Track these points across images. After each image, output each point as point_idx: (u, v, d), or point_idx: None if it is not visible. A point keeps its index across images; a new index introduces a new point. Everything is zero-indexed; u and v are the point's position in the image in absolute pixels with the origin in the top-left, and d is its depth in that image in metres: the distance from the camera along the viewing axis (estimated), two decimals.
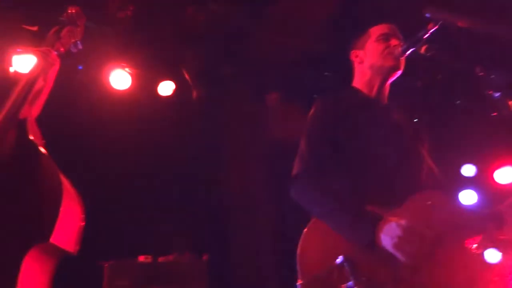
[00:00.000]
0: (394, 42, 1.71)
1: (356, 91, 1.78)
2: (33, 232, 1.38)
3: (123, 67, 3.82)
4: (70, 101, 3.49)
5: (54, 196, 1.42)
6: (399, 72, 1.74)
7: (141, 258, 3.20)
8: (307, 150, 1.62)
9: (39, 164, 1.50)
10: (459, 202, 1.53)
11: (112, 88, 3.84)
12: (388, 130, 1.67)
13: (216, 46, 3.98)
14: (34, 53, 1.82)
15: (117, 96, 3.90)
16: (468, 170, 4.18)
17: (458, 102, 3.99)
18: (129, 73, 3.85)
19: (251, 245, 3.88)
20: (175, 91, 4.03)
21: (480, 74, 1.51)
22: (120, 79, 3.85)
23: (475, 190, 4.03)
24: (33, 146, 1.54)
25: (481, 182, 4.06)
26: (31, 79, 1.70)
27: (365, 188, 1.57)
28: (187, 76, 4.03)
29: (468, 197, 4.05)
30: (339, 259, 1.41)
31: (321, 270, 1.44)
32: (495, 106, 1.49)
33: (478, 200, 4.08)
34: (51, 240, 1.38)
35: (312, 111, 1.72)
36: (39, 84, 1.74)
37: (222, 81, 4.18)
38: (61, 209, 1.41)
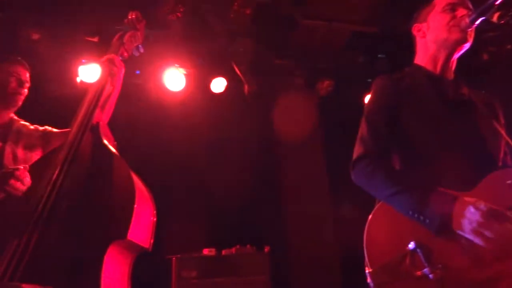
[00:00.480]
0: (461, 12, 1.55)
1: (419, 68, 1.64)
2: (111, 230, 1.46)
3: (176, 68, 3.95)
4: (129, 105, 3.68)
5: (128, 195, 1.50)
6: (466, 45, 1.57)
7: (206, 251, 3.31)
8: (368, 132, 1.52)
9: (113, 165, 1.58)
10: None
11: (168, 90, 3.99)
12: (457, 107, 1.53)
13: (265, 38, 3.97)
14: (101, 61, 1.91)
15: (173, 97, 4.05)
16: None
17: None
18: (183, 73, 3.98)
19: (311, 236, 3.86)
20: (227, 87, 4.10)
21: None
22: (174, 80, 3.99)
23: None
24: (106, 148, 1.64)
25: None
26: (100, 86, 1.80)
27: (434, 169, 1.45)
28: (238, 71, 4.07)
29: None
30: (411, 245, 1.33)
31: (391, 258, 1.35)
32: None
33: None
34: (128, 237, 1.45)
35: (371, 91, 1.62)
36: (108, 90, 1.84)
37: (273, 73, 4.17)
38: (135, 207, 1.48)
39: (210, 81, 4.10)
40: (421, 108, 1.52)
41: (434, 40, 1.61)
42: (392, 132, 1.50)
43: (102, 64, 1.89)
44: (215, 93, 4.13)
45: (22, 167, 1.55)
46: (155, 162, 3.72)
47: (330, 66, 4.05)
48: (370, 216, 1.47)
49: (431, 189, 1.36)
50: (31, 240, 1.39)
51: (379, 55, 4.02)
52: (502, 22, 1.43)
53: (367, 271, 1.40)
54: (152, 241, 1.60)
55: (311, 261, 3.76)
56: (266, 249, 3.35)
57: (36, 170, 1.60)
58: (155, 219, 1.63)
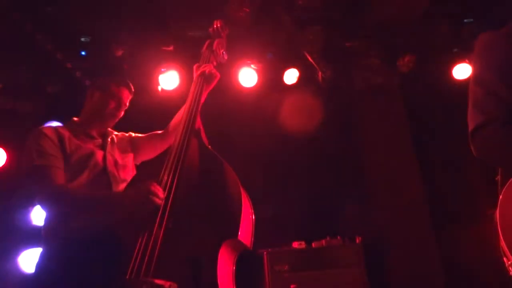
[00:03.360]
0: None
1: None
2: (224, 230, 1.54)
3: (249, 65, 3.97)
4: (209, 105, 3.80)
5: (236, 196, 1.57)
6: None
7: (295, 245, 3.31)
8: (484, 96, 1.33)
9: (220, 168, 1.66)
10: None
11: (242, 87, 4.04)
12: None
13: (335, 22, 3.81)
14: (197, 69, 2.00)
15: (247, 93, 4.09)
16: None
17: None
18: (255, 69, 3.99)
19: (404, 225, 3.65)
20: (300, 77, 4.02)
21: None
22: (247, 76, 4.02)
23: None
24: (212, 152, 1.74)
25: None
26: (199, 92, 1.90)
27: None
28: (310, 60, 3.97)
29: None
30: None
31: None
32: None
33: None
34: (239, 237, 1.53)
35: (476, 48, 1.41)
36: (204, 96, 1.93)
37: (347, 57, 3.99)
38: (243, 208, 1.56)
39: (282, 73, 4.06)
40: None
41: None
42: (511, 92, 1.28)
43: (199, 73, 1.98)
44: (288, 85, 4.09)
45: (154, 183, 1.62)
46: (240, 160, 3.80)
47: (409, 40, 3.75)
48: (500, 196, 1.25)
49: None
50: (157, 241, 1.50)
51: (465, 20, 3.63)
52: None
53: (507, 263, 1.21)
54: (253, 239, 1.66)
55: (405, 252, 3.56)
56: (358, 239, 3.26)
57: (148, 173, 1.72)
58: (254, 217, 1.69)
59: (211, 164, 1.69)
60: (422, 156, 3.77)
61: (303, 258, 3.23)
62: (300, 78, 4.05)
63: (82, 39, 3.65)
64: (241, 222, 1.54)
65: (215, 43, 2.09)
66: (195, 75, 2.00)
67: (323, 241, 3.31)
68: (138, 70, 3.83)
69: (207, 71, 1.96)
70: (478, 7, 3.50)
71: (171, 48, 3.85)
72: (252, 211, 1.69)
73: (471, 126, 1.34)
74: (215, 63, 2.08)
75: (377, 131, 3.91)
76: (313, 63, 3.88)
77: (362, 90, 3.92)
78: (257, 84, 4.04)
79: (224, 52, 2.13)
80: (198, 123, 1.82)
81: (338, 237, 3.30)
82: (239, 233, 1.53)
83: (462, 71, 3.73)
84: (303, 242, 3.30)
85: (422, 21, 3.64)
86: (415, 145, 3.84)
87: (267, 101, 4.08)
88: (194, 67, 2.04)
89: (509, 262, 1.20)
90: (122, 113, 2.14)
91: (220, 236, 1.52)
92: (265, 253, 3.26)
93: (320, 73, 3.90)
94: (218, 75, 2.01)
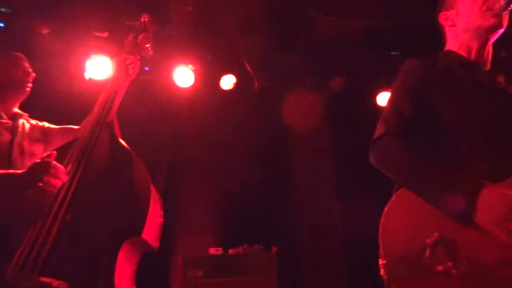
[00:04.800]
0: None
1: (452, 53, 1.53)
2: (128, 227, 1.47)
3: (186, 64, 3.91)
4: (138, 102, 3.66)
5: (144, 193, 1.52)
6: (501, 31, 1.46)
7: (212, 251, 3.27)
8: (392, 112, 1.43)
9: (130, 163, 1.60)
10: None
11: (177, 86, 3.95)
12: (490, 95, 1.43)
13: (276, 34, 3.90)
14: (117, 60, 1.93)
15: (182, 93, 4.01)
16: None
17: None
18: (192, 69, 3.94)
19: (320, 236, 3.79)
20: (237, 84, 4.04)
21: None
22: (183, 76, 3.95)
23: None
24: (123, 146, 1.66)
25: None
26: (117, 84, 1.82)
27: (462, 156, 1.36)
28: (248, 68, 4.01)
29: None
30: (433, 237, 1.22)
31: (409, 249, 1.26)
32: None
33: None
34: (143, 235, 1.46)
35: (400, 71, 1.51)
36: (123, 89, 1.85)
37: (283, 69, 4.10)
38: (150, 205, 1.50)
39: (219, 78, 4.05)
40: (452, 93, 1.42)
41: (465, 29, 1.49)
42: (418, 115, 1.39)
43: (118, 64, 1.92)
44: (224, 90, 4.08)
45: (54, 162, 1.50)
46: (162, 159, 3.70)
47: (342, 63, 3.96)
48: (388, 204, 1.36)
49: (458, 175, 1.27)
50: (50, 234, 1.39)
51: (393, 53, 3.92)
52: None
53: (381, 262, 1.31)
54: (159, 241, 1.61)
55: (319, 263, 3.70)
56: (274, 249, 3.30)
57: None
58: (162, 219, 1.64)
59: (121, 159, 1.63)
60: (342, 176, 3.96)
61: (218, 265, 3.20)
62: (237, 85, 4.06)
63: (2, 10, 3.32)
64: (147, 220, 1.48)
65: (141, 36, 2.03)
66: (115, 65, 1.93)
67: (240, 248, 3.31)
68: (65, 53, 3.58)
69: (128, 63, 1.89)
70: (406, 42, 3.79)
71: (105, 35, 3.66)
72: (162, 212, 1.64)
73: (374, 135, 1.44)
74: (138, 56, 2.01)
75: (305, 144, 4.04)
76: (250, 71, 3.93)
77: (294, 104, 4.04)
78: (193, 85, 3.98)
79: (150, 47, 2.07)
80: (112, 116, 1.74)
81: (256, 245, 3.32)
82: (144, 232, 1.46)
83: (385, 98, 4.02)
84: (220, 249, 3.27)
85: (356, 47, 3.87)
86: (336, 168, 4.04)
87: (200, 104, 4.03)
88: (116, 57, 1.97)
89: (382, 263, 1.29)
90: (31, 84, 2.01)
91: (122, 234, 1.45)
92: (179, 258, 3.17)
93: (256, 82, 3.95)
94: (138, 69, 1.95)
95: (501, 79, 1.49)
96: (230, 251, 3.29)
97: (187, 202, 3.78)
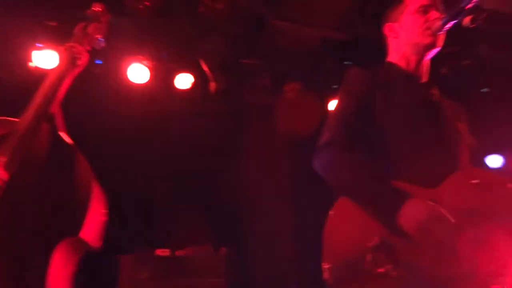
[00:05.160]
0: (433, 15, 1.55)
1: (393, 65, 1.64)
2: (65, 226, 1.39)
3: (141, 60, 3.81)
4: (88, 96, 3.52)
5: (85, 190, 1.44)
6: (436, 49, 1.59)
7: (159, 252, 3.20)
8: (336, 120, 1.50)
9: (71, 159, 1.51)
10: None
11: (130, 82, 3.84)
12: (426, 107, 1.54)
13: (235, 37, 3.91)
14: (64, 49, 1.82)
15: (135, 90, 3.90)
16: (494, 160, 3.98)
17: (485, 90, 3.81)
18: (147, 66, 3.85)
19: (271, 238, 3.83)
20: (194, 84, 4.00)
21: None
22: (138, 72, 3.85)
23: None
24: (64, 140, 1.56)
25: (508, 174, 3.87)
26: (61, 74, 1.71)
27: (401, 164, 1.45)
28: (205, 68, 3.98)
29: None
30: (373, 241, 1.29)
31: (351, 254, 1.34)
32: None
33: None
34: (81, 234, 1.39)
35: (345, 80, 1.59)
36: (68, 80, 1.75)
37: (240, 72, 4.12)
38: (91, 203, 1.42)
39: (174, 76, 4.00)
40: (393, 104, 1.51)
41: (406, 42, 1.61)
42: (361, 123, 1.47)
43: (65, 53, 1.81)
44: (180, 89, 4.02)
45: None
46: (111, 155, 3.57)
47: (298, 70, 4.05)
48: (331, 209, 1.43)
49: (394, 184, 1.35)
50: None
51: (346, 62, 4.06)
52: (474, 25, 1.42)
53: (324, 266, 1.37)
54: (101, 241, 1.53)
55: (270, 265, 3.73)
56: (223, 250, 3.29)
57: None
58: (105, 218, 1.57)
59: (62, 154, 1.53)
60: (294, 178, 4.03)
61: (165, 266, 3.14)
62: (193, 85, 4.02)
63: None
64: (86, 219, 1.40)
65: (92, 26, 1.95)
66: (61, 55, 1.84)
67: (188, 250, 3.26)
68: (9, 41, 3.36)
69: (75, 53, 1.81)
70: (359, 53, 3.94)
71: (54, 24, 3.48)
72: (105, 210, 1.57)
73: (319, 143, 1.51)
74: (88, 47, 1.93)
75: (258, 146, 4.07)
76: (208, 72, 3.90)
77: (249, 107, 4.08)
78: (147, 82, 3.89)
79: (101, 39, 1.99)
80: (55, 108, 1.65)
81: (205, 246, 3.29)
82: (82, 231, 1.39)
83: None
84: (167, 250, 3.21)
85: (313, 54, 3.97)
86: (288, 169, 4.10)
87: (154, 101, 3.94)
88: (62, 46, 1.88)
89: (326, 267, 1.36)
90: None
91: (57, 234, 1.36)
92: (123, 258, 3.07)
93: (213, 83, 3.93)
94: (87, 60, 1.87)
95: (435, 91, 1.62)
96: (178, 252, 3.24)
97: (134, 201, 3.67)
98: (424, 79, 1.63)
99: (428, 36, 1.54)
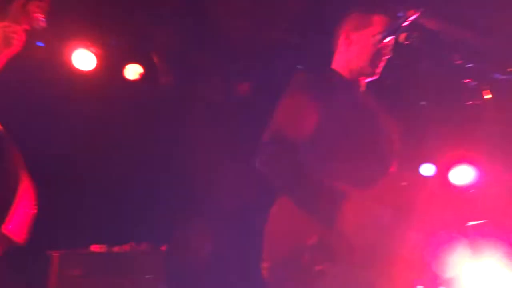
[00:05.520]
0: (386, 47, 1.66)
1: (336, 72, 1.72)
2: None
3: (87, 46, 3.63)
4: (27, 80, 3.28)
5: (11, 180, 1.35)
6: (374, 77, 1.71)
7: (94, 248, 3.06)
8: (284, 117, 1.54)
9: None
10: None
11: (75, 68, 3.65)
12: (363, 114, 1.64)
13: (189, 32, 3.84)
14: None
15: (80, 76, 3.71)
16: (427, 169, 4.26)
17: (423, 103, 4.07)
18: (94, 53, 3.67)
19: (215, 237, 3.80)
20: (143, 75, 3.88)
21: (458, 62, 1.51)
22: (84, 59, 3.67)
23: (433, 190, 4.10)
24: None
25: (438, 182, 4.16)
26: None
27: (340, 166, 1.51)
28: (156, 61, 3.88)
29: None
30: (312, 240, 1.33)
31: (290, 252, 1.36)
32: (470, 95, 1.50)
33: None
34: (3, 228, 1.30)
35: (292, 82, 1.64)
36: (1, 61, 1.63)
37: (194, 69, 4.05)
38: (17, 194, 1.34)
39: (124, 66, 3.85)
40: (334, 108, 1.58)
41: (353, 57, 1.69)
42: (304, 124, 1.53)
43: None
44: (128, 80, 3.89)
45: None
46: (48, 145, 3.36)
47: (249, 69, 4.06)
48: (272, 209, 1.46)
49: (332, 184, 1.41)
50: None
51: (298, 66, 4.13)
52: (407, 42, 1.53)
53: (263, 265, 1.39)
54: (27, 236, 1.44)
55: (212, 264, 3.70)
56: (163, 247, 3.22)
57: None
58: (35, 211, 1.47)
59: None
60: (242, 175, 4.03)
61: (100, 263, 3.01)
62: (142, 76, 3.90)
63: None
64: (11, 211, 1.32)
65: (32, 4, 1.81)
66: None
67: (127, 246, 3.16)
68: None
69: (9, 32, 1.67)
70: (309, 59, 4.03)
71: None
72: (34, 202, 1.47)
73: (262, 140, 1.54)
74: (26, 26, 1.79)
75: (202, 144, 4.02)
76: (158, 64, 3.80)
77: (199, 103, 4.02)
78: (93, 70, 3.72)
79: (42, 19, 1.86)
80: None
81: (144, 243, 3.20)
82: (4, 225, 1.30)
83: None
84: (104, 246, 3.08)
85: (265, 55, 4.00)
86: (239, 170, 4.09)
87: (99, 90, 3.76)
88: None
89: (264, 266, 1.40)
90: None
91: None
92: (54, 254, 2.90)
93: (162, 76, 3.84)
94: (23, 41, 1.74)
95: (371, 100, 1.74)
96: (115, 249, 3.12)
97: (70, 193, 3.48)
98: (363, 87, 1.74)
99: (374, 67, 1.66)
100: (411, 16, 1.46)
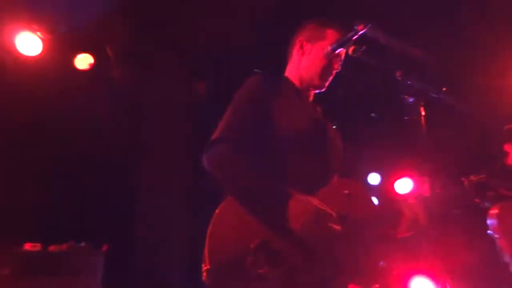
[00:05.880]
0: (336, 62, 1.71)
1: (288, 80, 1.75)
2: None
3: (34, 31, 3.40)
4: None
5: None
6: (322, 90, 1.76)
7: (28, 246, 2.86)
8: (234, 118, 1.52)
9: None
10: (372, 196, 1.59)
11: (18, 53, 3.41)
12: (312, 122, 1.67)
13: (147, 25, 3.72)
14: None
15: (25, 61, 3.47)
16: (374, 178, 4.45)
17: (373, 115, 4.25)
18: (41, 38, 3.45)
19: (158, 237, 3.70)
20: (94, 66, 3.70)
21: (399, 78, 1.57)
22: (29, 43, 3.43)
23: (377, 198, 4.31)
24: None
25: (383, 191, 4.36)
26: None
27: (288, 170, 1.52)
28: (109, 52, 3.72)
29: None
30: (256, 243, 1.34)
31: (233, 255, 1.36)
32: (408, 110, 1.56)
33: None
34: None
35: (246, 84, 1.63)
36: None
37: (149, 64, 3.93)
38: None
39: (74, 55, 3.66)
40: (284, 114, 1.59)
41: (305, 68, 1.72)
42: (256, 127, 1.52)
43: None
44: (78, 69, 3.69)
45: None
46: None
47: (209, 67, 4.01)
48: (216, 211, 1.43)
49: (281, 187, 1.42)
50: None
51: (255, 70, 4.14)
52: (355, 55, 1.59)
53: (204, 268, 1.37)
54: None
55: (154, 264, 3.60)
56: (104, 247, 3.08)
57: None
58: None
59: None
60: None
61: (34, 263, 2.81)
62: (93, 67, 3.72)
63: None
64: None
65: None
66: None
67: (65, 246, 2.98)
68: None
69: None
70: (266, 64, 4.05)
71: None
72: None
73: (212, 137, 1.50)
74: None
75: (153, 143, 3.92)
76: (111, 56, 3.64)
77: (152, 101, 3.91)
78: (39, 55, 3.49)
79: None
80: None
81: (83, 243, 3.04)
82: None
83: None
84: (38, 244, 2.89)
85: (224, 55, 3.96)
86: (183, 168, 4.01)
87: (48, 79, 3.54)
88: None
89: (205, 268, 1.37)
90: None
91: None
92: None
93: (116, 69, 3.68)
94: None
95: (319, 109, 1.79)
96: (51, 248, 2.94)
97: (7, 187, 3.23)
98: (311, 98, 1.78)
99: (322, 80, 1.71)
100: (361, 30, 1.51)
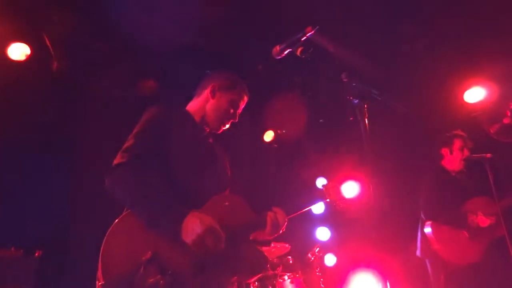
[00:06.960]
0: (238, 111, 1.97)
1: (189, 114, 1.96)
2: None
3: None
4: None
5: None
6: (216, 132, 1.99)
7: None
8: (136, 144, 1.70)
9: None
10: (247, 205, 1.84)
11: None
12: (205, 150, 1.92)
13: (92, 17, 3.51)
14: None
15: None
16: (322, 183, 4.57)
17: (321, 120, 4.38)
18: None
19: (94, 243, 3.47)
20: (30, 57, 3.42)
21: (345, 80, 1.66)
22: None
23: (323, 202, 4.42)
24: None
25: (330, 195, 4.47)
26: None
27: (182, 190, 1.71)
28: (48, 42, 3.46)
29: (319, 207, 4.46)
30: (148, 255, 1.45)
31: (127, 268, 1.45)
32: (353, 111, 1.65)
33: (325, 210, 4.55)
34: None
35: (150, 112, 1.82)
36: None
37: (92, 58, 3.70)
38: None
39: (8, 45, 3.37)
40: (182, 142, 1.82)
41: (208, 110, 1.96)
42: (156, 152, 1.72)
43: None
44: (12, 59, 3.41)
45: None
46: None
47: (154, 68, 3.87)
48: (109, 229, 1.55)
49: (176, 205, 1.61)
50: None
51: (207, 71, 4.10)
52: (303, 57, 1.66)
53: (98, 284, 1.45)
54: None
55: (88, 270, 3.36)
56: (37, 253, 2.85)
57: None
58: None
59: None
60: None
61: None
62: (30, 58, 3.44)
63: None
64: None
65: None
66: None
67: None
68: None
69: None
70: (217, 65, 4.01)
71: None
72: None
73: (114, 162, 1.67)
74: None
75: (91, 141, 3.68)
76: (50, 48, 3.39)
77: (92, 97, 3.70)
78: None
79: None
80: None
81: (13, 248, 2.80)
82: None
83: None
84: None
85: (171, 56, 3.87)
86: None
87: None
88: None
89: (99, 284, 1.47)
90: None
91: None
92: None
93: (54, 61, 3.43)
94: None
95: (211, 140, 2.02)
96: None
97: None
98: (206, 131, 2.01)
99: (221, 125, 1.98)
100: (308, 32, 1.60)
